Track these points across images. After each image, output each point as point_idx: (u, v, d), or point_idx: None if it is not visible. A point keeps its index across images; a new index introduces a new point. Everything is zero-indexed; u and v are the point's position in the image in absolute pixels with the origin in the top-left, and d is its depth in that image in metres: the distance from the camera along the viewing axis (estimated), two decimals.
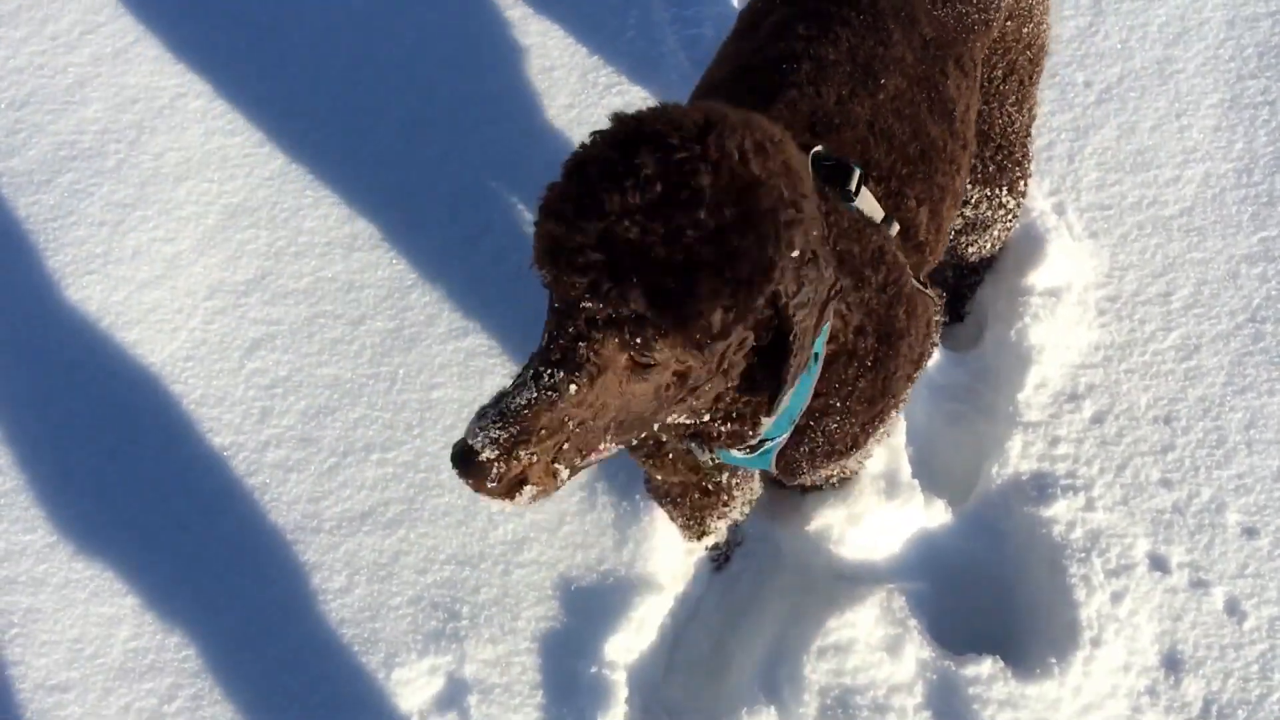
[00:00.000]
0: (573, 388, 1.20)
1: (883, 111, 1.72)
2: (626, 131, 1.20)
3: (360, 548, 2.14)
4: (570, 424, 1.23)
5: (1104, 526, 2.14)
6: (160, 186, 2.48)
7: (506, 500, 1.26)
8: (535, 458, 1.23)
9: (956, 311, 2.52)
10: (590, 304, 1.17)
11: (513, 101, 2.60)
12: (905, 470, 2.22)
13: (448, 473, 2.20)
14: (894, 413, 1.73)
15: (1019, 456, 2.22)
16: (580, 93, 2.60)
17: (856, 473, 2.19)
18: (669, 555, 2.16)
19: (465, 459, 1.23)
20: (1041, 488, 2.18)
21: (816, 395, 1.55)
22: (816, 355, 1.48)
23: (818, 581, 2.13)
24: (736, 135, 1.20)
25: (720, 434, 1.46)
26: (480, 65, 2.66)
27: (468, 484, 1.25)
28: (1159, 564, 2.10)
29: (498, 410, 1.21)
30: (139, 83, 2.61)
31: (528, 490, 1.26)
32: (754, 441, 1.47)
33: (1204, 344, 2.32)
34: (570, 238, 1.15)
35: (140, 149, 2.52)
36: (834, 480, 2.17)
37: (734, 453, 1.56)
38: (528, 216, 2.47)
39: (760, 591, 2.18)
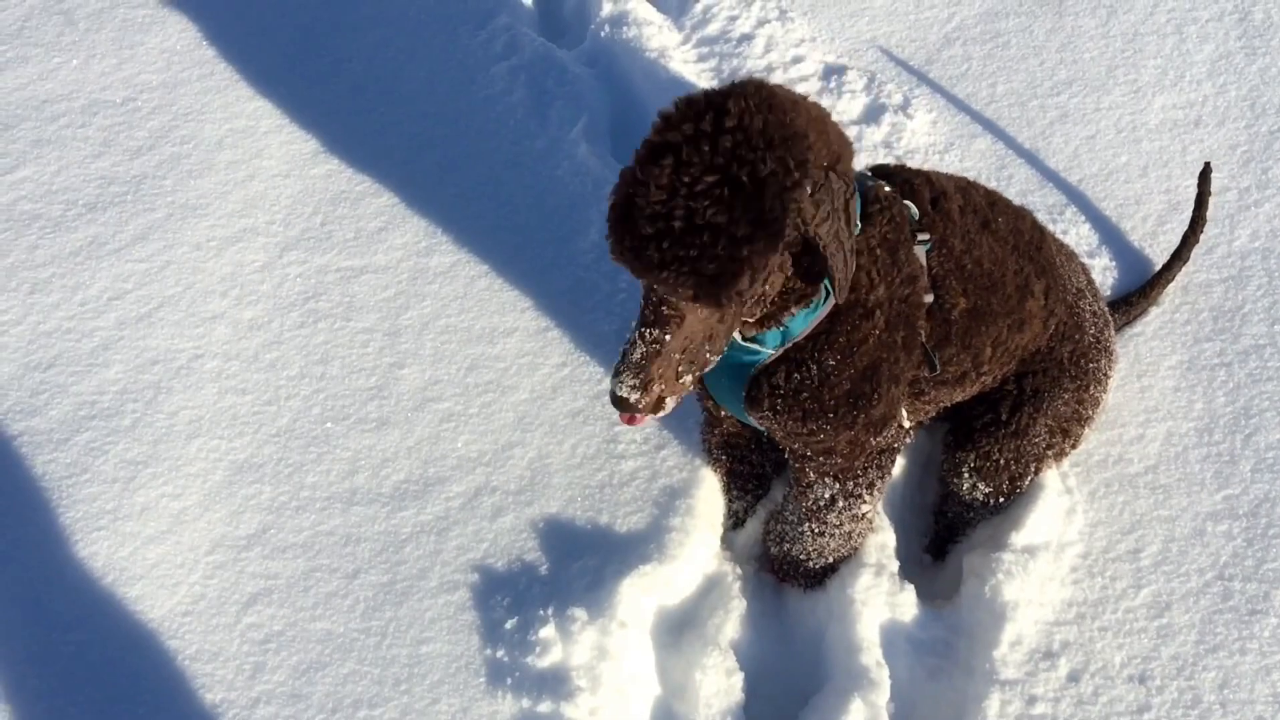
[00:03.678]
0: (667, 336, 1.68)
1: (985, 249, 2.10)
2: (652, 146, 1.60)
3: None
4: (676, 355, 1.70)
5: None
6: (172, 444, 2.61)
7: (657, 414, 1.77)
8: (662, 384, 1.72)
9: (940, 548, 2.60)
10: (658, 287, 1.62)
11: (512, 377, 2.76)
12: None
13: None
14: (879, 408, 2.02)
15: (997, 716, 2.25)
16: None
17: (843, 554, 2.41)
18: None
19: (620, 402, 1.73)
20: None
21: (821, 333, 1.90)
22: (828, 291, 1.83)
23: None
24: (745, 110, 1.58)
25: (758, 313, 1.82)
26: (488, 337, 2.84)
27: (625, 417, 1.79)
28: None
29: (624, 364, 1.71)
30: (160, 345, 2.78)
31: (669, 402, 1.76)
32: (762, 333, 1.86)
33: (1174, 601, 2.38)
34: (619, 250, 1.61)
35: (156, 408, 2.67)
36: (815, 556, 2.39)
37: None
38: (520, 477, 2.58)
39: None
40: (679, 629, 2.44)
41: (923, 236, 1.99)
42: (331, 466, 2.60)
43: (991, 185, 3.08)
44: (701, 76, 3.42)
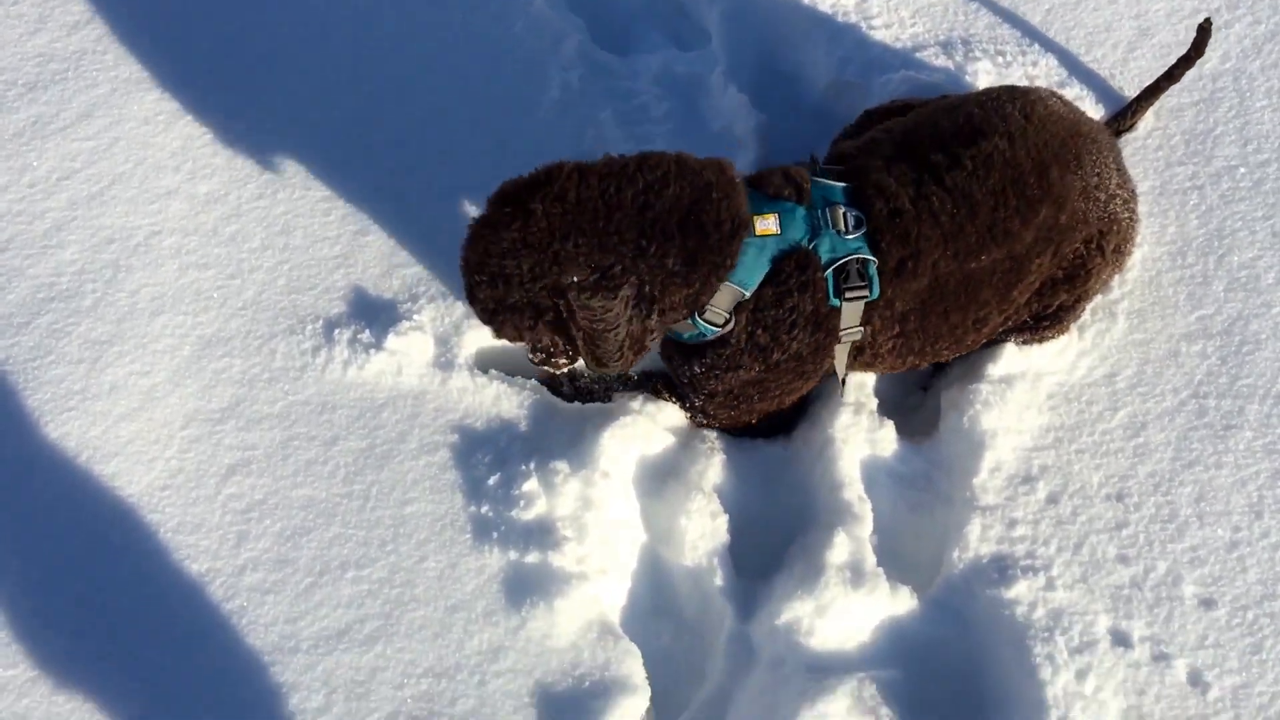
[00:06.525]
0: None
1: (963, 274, 2.22)
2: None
3: (338, 666, 2.17)
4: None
5: (1065, 605, 2.19)
6: (136, 322, 2.56)
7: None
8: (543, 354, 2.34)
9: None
10: None
11: None
12: (870, 559, 2.27)
13: (423, 586, 2.26)
14: (763, 405, 2.38)
15: (978, 540, 2.28)
16: None
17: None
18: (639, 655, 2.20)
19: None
20: (1002, 569, 2.24)
21: (714, 345, 2.25)
22: (702, 333, 2.24)
23: (790, 676, 2.16)
24: (545, 211, 2.06)
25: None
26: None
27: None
28: (1121, 639, 2.15)
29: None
30: (114, 223, 2.70)
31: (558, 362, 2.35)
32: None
33: (1150, 421, 2.40)
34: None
35: (116, 287, 2.61)
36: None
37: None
38: (494, 341, 2.55)
39: (735, 691, 2.21)
40: (662, 477, 2.45)
41: (852, 294, 2.18)
42: (303, 336, 2.56)
43: (958, 18, 3.02)
44: None
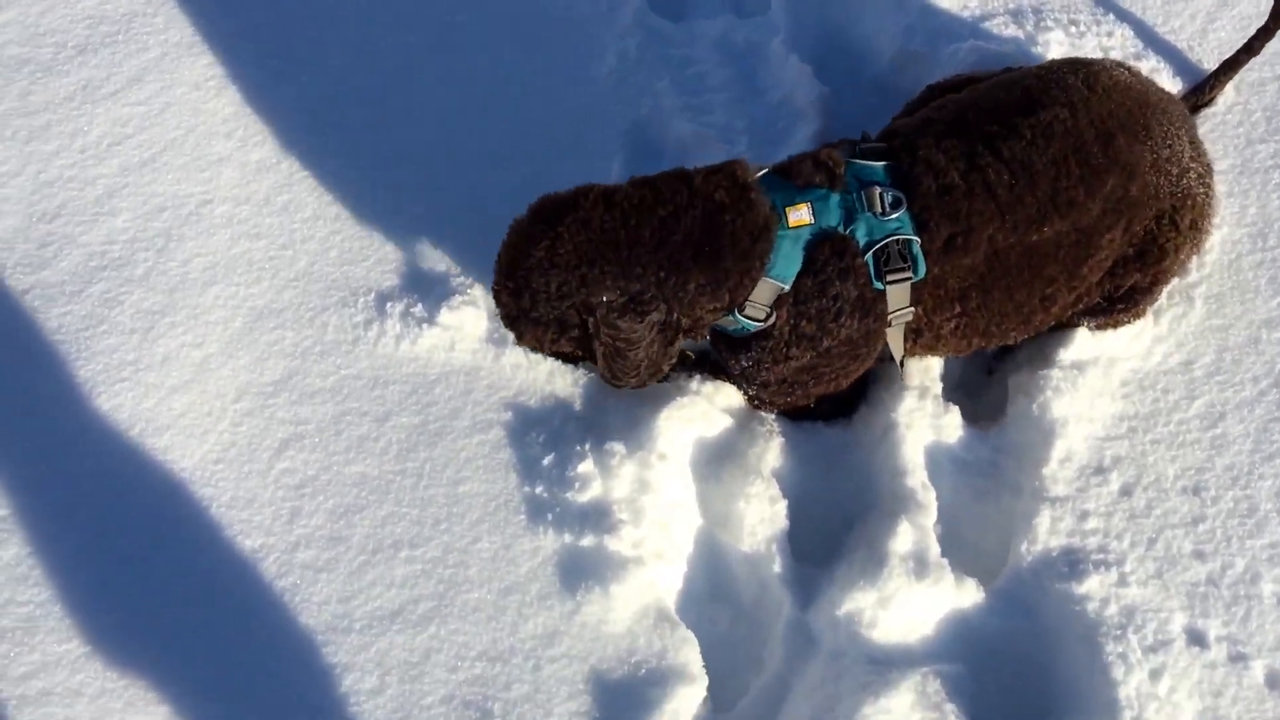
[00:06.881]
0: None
1: (1022, 249, 2.16)
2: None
3: (391, 647, 2.14)
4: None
5: (1138, 602, 2.12)
6: (188, 293, 2.53)
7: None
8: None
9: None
10: None
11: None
12: (934, 549, 2.21)
13: (476, 567, 2.22)
14: (819, 389, 2.33)
15: (1048, 532, 2.21)
16: None
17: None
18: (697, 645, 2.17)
19: None
20: (1073, 563, 2.17)
21: (758, 337, 2.22)
22: (745, 327, 2.21)
23: (851, 668, 2.11)
24: (571, 232, 2.10)
25: None
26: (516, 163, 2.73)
27: None
28: (1197, 638, 2.08)
29: None
30: (166, 191, 2.67)
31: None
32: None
33: (1229, 411, 2.32)
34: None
35: (168, 256, 2.58)
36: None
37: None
38: None
39: (794, 681, 2.17)
40: (719, 460, 2.40)
41: (895, 277, 2.13)
42: (355, 309, 2.52)
43: None
44: None
